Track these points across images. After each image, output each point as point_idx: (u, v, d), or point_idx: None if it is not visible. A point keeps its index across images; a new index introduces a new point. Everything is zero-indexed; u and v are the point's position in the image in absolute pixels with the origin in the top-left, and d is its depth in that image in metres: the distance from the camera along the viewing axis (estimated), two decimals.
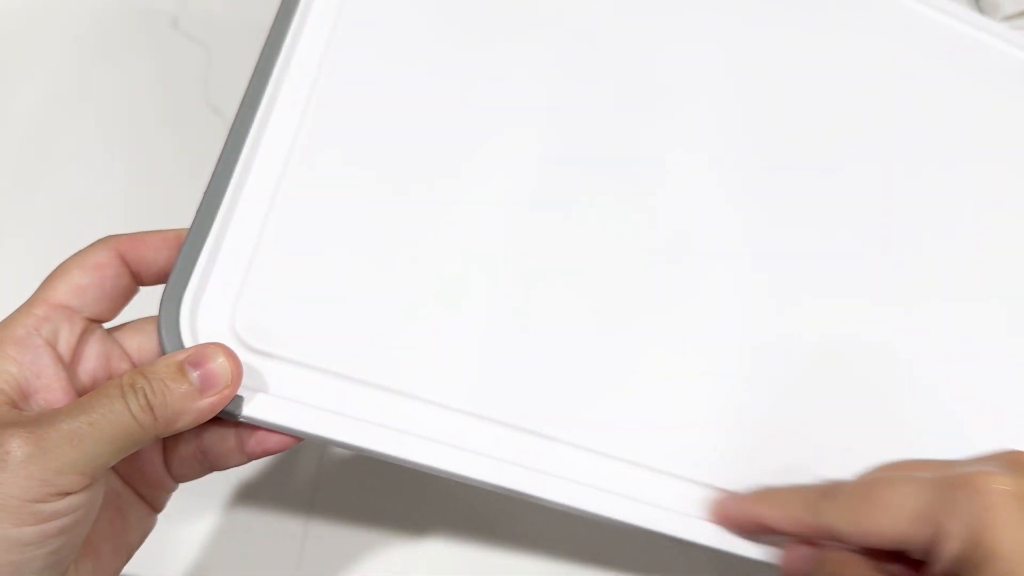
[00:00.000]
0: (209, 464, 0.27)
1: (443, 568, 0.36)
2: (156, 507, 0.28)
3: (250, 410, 0.25)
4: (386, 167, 0.30)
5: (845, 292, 0.34)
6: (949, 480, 0.24)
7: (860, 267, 0.34)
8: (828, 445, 0.31)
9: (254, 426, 0.26)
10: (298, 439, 0.26)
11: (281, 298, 0.27)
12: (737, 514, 0.29)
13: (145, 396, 0.23)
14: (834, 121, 0.37)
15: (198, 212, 0.27)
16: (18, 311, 0.25)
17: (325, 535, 0.37)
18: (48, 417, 0.22)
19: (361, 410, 0.26)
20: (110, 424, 0.22)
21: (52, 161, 0.53)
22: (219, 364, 0.24)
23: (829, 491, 0.27)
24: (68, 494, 0.21)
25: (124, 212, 0.48)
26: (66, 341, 0.24)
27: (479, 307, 0.29)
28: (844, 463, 0.28)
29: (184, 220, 0.27)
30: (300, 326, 0.27)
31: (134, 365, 0.26)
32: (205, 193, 0.27)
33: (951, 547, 0.23)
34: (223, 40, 0.61)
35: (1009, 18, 0.60)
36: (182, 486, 0.28)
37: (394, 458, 0.26)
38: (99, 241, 0.26)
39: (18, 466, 0.21)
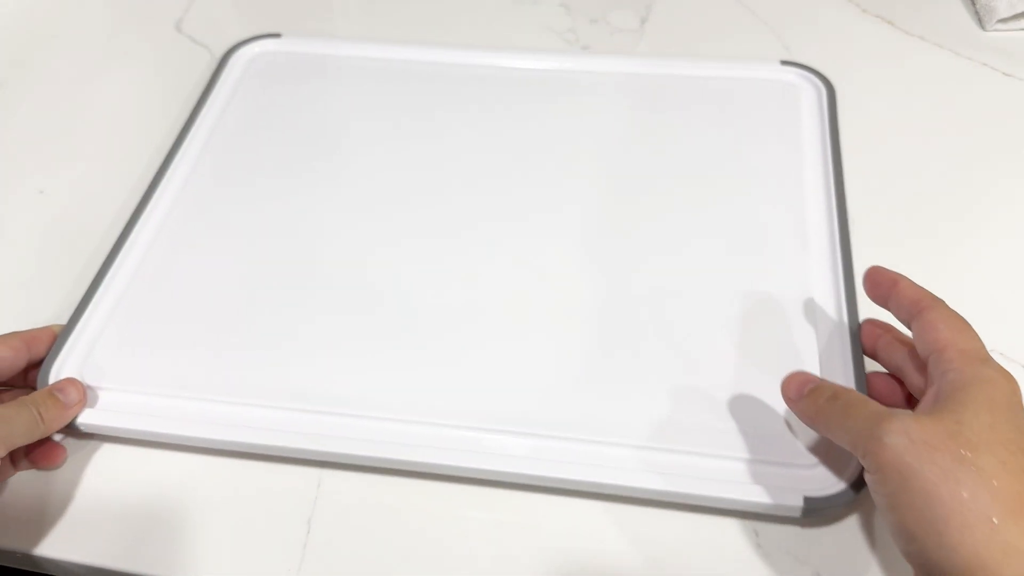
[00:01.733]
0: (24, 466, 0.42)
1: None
2: None
3: (84, 418, 0.43)
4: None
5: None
6: None
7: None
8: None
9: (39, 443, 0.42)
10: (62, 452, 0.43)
11: (115, 359, 0.46)
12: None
13: (37, 408, 0.41)
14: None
15: (69, 320, 0.47)
16: None
17: (327, 537, 0.39)
18: None
19: (153, 412, 0.44)
20: (25, 416, 0.40)
21: (56, 162, 0.54)
22: (72, 387, 0.43)
23: None
24: None
25: (127, 211, 0.51)
26: None
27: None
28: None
29: None
30: (124, 373, 0.46)
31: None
32: (77, 307, 0.47)
33: None
34: (227, 43, 0.61)
35: (1004, 20, 0.60)
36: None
37: (174, 436, 0.43)
38: (13, 333, 0.44)
39: None
